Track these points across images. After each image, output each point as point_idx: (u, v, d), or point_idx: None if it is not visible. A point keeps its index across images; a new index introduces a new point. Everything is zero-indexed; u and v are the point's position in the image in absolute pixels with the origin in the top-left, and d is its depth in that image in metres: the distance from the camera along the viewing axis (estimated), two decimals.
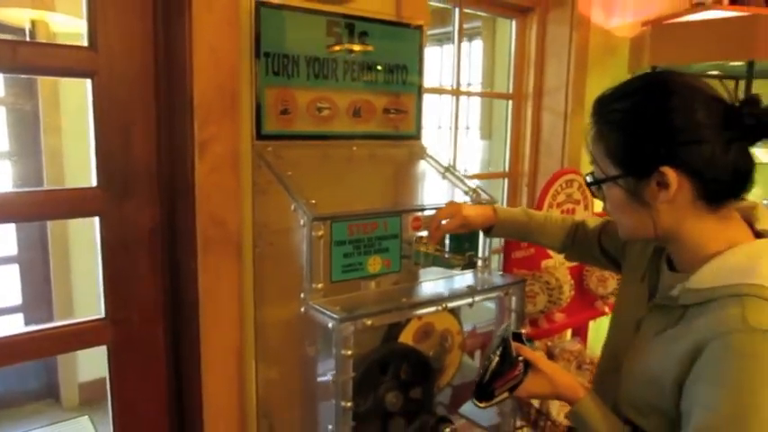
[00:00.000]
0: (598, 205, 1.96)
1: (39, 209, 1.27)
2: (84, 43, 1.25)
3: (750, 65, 1.83)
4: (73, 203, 1.30)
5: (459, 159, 2.13)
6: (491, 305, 1.40)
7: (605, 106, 0.92)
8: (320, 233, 1.10)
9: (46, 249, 3.26)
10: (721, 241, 0.89)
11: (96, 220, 1.31)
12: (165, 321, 1.40)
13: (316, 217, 1.09)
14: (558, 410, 1.57)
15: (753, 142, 0.86)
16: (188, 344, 1.36)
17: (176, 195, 1.33)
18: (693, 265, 0.90)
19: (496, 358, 1.00)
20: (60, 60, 1.24)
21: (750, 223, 0.93)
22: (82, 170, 3.35)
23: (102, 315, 1.35)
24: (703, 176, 0.86)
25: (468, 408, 1.40)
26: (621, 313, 1.09)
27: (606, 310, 1.71)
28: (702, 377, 0.83)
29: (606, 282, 1.79)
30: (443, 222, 1.23)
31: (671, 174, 0.85)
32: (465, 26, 3.33)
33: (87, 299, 3.29)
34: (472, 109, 3.53)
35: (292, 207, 1.15)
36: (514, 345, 1.03)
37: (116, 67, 1.27)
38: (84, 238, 3.31)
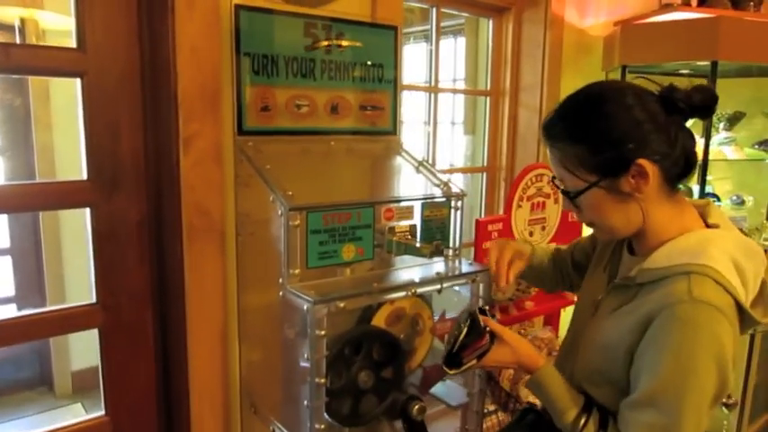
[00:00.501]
0: None
1: (33, 200, 1.35)
2: (73, 44, 1.32)
3: (714, 65, 1.92)
4: (65, 196, 1.38)
5: (442, 154, 2.21)
6: (465, 292, 1.48)
7: (558, 126, 1.02)
8: (297, 222, 1.18)
9: (38, 241, 3.32)
10: (676, 228, 1.00)
11: (87, 211, 1.39)
12: (153, 306, 1.48)
13: (292, 207, 1.17)
14: (526, 393, 1.66)
15: (686, 120, 1.00)
16: (175, 327, 1.43)
17: (162, 187, 1.41)
18: (651, 249, 1.01)
19: (465, 329, 1.08)
20: (51, 61, 1.32)
21: (704, 217, 1.04)
22: (72, 165, 3.41)
23: (94, 300, 1.42)
24: (667, 160, 0.97)
25: (439, 389, 1.48)
26: (582, 299, 1.20)
27: (575, 299, 1.80)
28: (651, 343, 0.93)
29: None
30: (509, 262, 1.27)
31: (646, 164, 0.95)
32: (449, 23, 3.40)
33: (79, 289, 3.35)
34: (458, 105, 3.61)
35: (271, 198, 1.22)
36: (481, 318, 1.11)
37: (104, 66, 1.34)
38: (75, 230, 3.38)
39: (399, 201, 1.35)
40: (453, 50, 3.59)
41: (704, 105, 0.97)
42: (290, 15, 1.41)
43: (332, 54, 1.49)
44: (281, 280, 1.22)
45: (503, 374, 1.69)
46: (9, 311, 1.41)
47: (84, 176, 1.37)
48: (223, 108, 1.36)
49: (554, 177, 1.09)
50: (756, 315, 0.94)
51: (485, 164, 2.31)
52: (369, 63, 1.56)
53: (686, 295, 0.91)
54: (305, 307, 1.13)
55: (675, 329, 0.91)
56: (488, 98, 2.27)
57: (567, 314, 1.95)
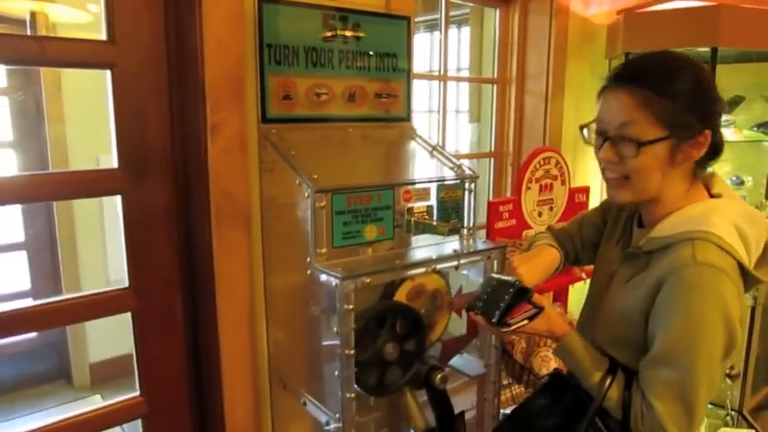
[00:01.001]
0: (580, 179, 2.12)
1: (67, 189, 1.41)
2: (102, 37, 1.38)
3: (714, 51, 1.98)
4: (97, 184, 1.44)
5: (449, 141, 2.27)
6: (473, 275, 1.55)
7: (648, 73, 1.04)
8: (322, 204, 1.25)
9: (53, 235, 3.39)
10: (684, 199, 1.08)
11: (118, 198, 1.45)
12: (182, 289, 1.54)
13: (318, 189, 1.24)
14: (539, 365, 1.73)
15: None
16: (205, 308, 1.50)
17: (189, 174, 1.47)
18: (658, 219, 1.08)
19: (512, 295, 1.13)
20: (83, 54, 1.38)
21: (708, 188, 1.11)
22: (86, 157, 3.46)
23: (126, 285, 1.49)
24: (716, 139, 1.05)
25: (457, 361, 1.55)
26: (598, 272, 1.27)
27: (583, 275, 1.87)
28: (662, 305, 1.01)
29: None
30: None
31: (709, 135, 1.03)
32: (454, 13, 3.45)
33: (95, 280, 3.43)
34: (462, 94, 3.67)
35: (297, 182, 1.29)
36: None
37: (132, 58, 1.40)
38: (90, 222, 3.45)
39: (417, 183, 1.42)
40: (457, 40, 3.65)
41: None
42: (309, 7, 1.47)
43: (348, 44, 1.55)
44: (308, 259, 1.29)
45: (515, 348, 1.76)
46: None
47: (115, 165, 1.43)
48: (247, 97, 1.42)
49: (602, 122, 1.08)
50: (760, 275, 1.01)
51: (492, 149, 2.37)
52: (383, 52, 1.62)
53: (691, 259, 0.98)
54: (334, 283, 1.20)
55: (683, 291, 0.98)
56: (495, 86, 2.33)
57: (575, 290, 2.01)
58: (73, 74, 3.27)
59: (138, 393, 1.53)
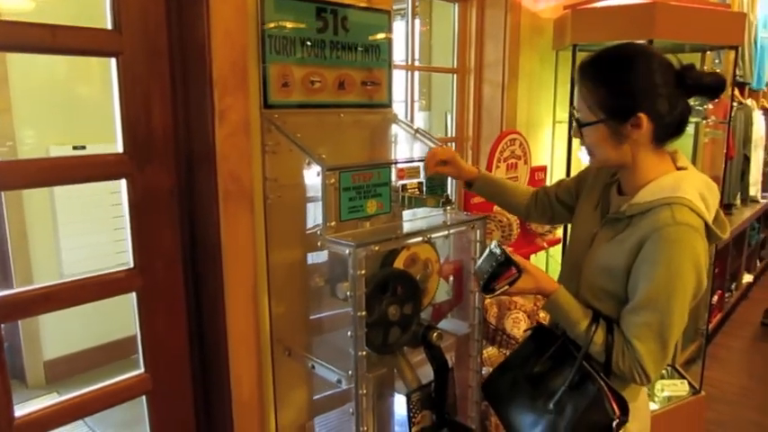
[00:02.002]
0: (536, 159, 2.33)
1: (76, 172, 1.45)
2: (109, 26, 1.44)
3: (650, 43, 2.24)
4: (104, 167, 1.49)
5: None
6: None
7: (593, 67, 1.27)
8: (332, 181, 1.38)
9: (2, 229, 3.30)
10: (657, 171, 1.27)
11: (123, 182, 1.51)
12: (185, 267, 1.62)
13: (329, 167, 1.36)
14: (511, 326, 1.93)
15: (689, 96, 1.26)
16: (210, 285, 1.58)
17: (194, 157, 1.55)
18: (636, 188, 1.28)
19: (496, 265, 1.29)
20: (91, 42, 1.43)
21: (674, 161, 1.32)
22: (36, 148, 3.39)
23: (131, 265, 1.55)
24: (662, 121, 1.23)
25: (444, 323, 1.72)
26: (578, 233, 1.46)
27: (545, 245, 2.08)
28: (645, 259, 1.20)
29: None
30: (438, 161, 1.55)
31: (644, 118, 1.21)
32: (399, 6, 3.61)
33: (48, 275, 3.37)
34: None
35: (307, 161, 1.41)
36: (509, 253, 1.34)
37: (137, 46, 1.46)
38: (42, 214, 3.38)
39: (412, 161, 1.57)
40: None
41: (712, 87, 1.23)
42: (304, 1, 1.58)
43: (338, 35, 1.67)
44: (318, 231, 1.41)
45: (488, 312, 1.95)
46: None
47: (120, 149, 1.49)
48: (250, 84, 1.52)
49: (574, 107, 1.33)
50: (718, 231, 1.23)
51: (453, 135, 2.55)
52: (367, 43, 1.75)
53: (671, 220, 1.18)
54: (347, 251, 1.33)
55: (664, 247, 1.18)
56: (455, 75, 2.50)
57: (536, 258, 2.22)
58: (20, 63, 3.19)
59: (143, 370, 1.60)
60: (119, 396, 1.55)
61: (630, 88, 1.22)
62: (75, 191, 3.44)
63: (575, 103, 1.32)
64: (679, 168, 1.30)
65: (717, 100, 2.85)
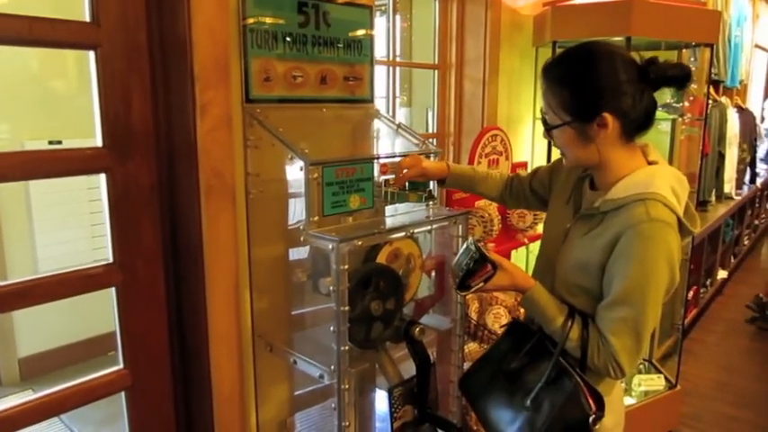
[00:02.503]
0: (517, 155, 2.35)
1: (56, 166, 1.43)
2: (87, 18, 1.42)
3: (628, 40, 2.27)
4: (84, 162, 1.47)
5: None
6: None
7: (554, 70, 1.28)
8: (315, 175, 1.37)
9: None
10: (629, 167, 1.28)
11: (103, 176, 1.49)
12: (165, 262, 1.61)
13: (312, 162, 1.36)
14: (492, 321, 1.95)
15: (655, 89, 1.25)
16: (191, 280, 1.57)
17: (176, 152, 1.54)
18: (609, 184, 1.29)
19: (474, 259, 1.30)
20: (69, 34, 1.40)
21: (645, 155, 1.33)
22: (9, 144, 3.31)
23: (111, 260, 1.54)
24: (628, 117, 1.24)
25: (426, 318, 1.73)
26: (551, 228, 1.47)
27: (525, 241, 2.10)
28: (620, 255, 1.22)
29: (525, 218, 2.19)
30: (405, 171, 1.55)
31: (609, 117, 1.22)
32: (380, 2, 3.60)
33: (23, 270, 3.31)
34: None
35: (289, 156, 1.40)
36: (484, 250, 1.34)
37: (116, 40, 1.44)
38: (17, 212, 3.32)
39: (395, 157, 1.57)
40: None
41: (678, 78, 1.23)
42: None
43: (320, 30, 1.67)
44: (301, 226, 1.41)
45: (470, 308, 1.96)
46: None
47: (100, 143, 1.48)
48: (232, 79, 1.51)
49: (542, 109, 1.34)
50: (689, 226, 1.26)
51: (435, 130, 2.56)
52: (349, 38, 1.75)
53: (645, 216, 1.19)
54: (330, 246, 1.33)
55: (639, 243, 1.19)
56: (436, 71, 2.51)
57: (517, 254, 2.25)
58: None
59: (122, 366, 1.58)
60: (96, 392, 1.53)
61: (593, 89, 1.23)
62: (51, 186, 3.39)
63: (542, 106, 1.33)
64: (650, 163, 1.31)
65: (692, 98, 2.90)
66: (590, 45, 1.28)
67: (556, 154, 2.46)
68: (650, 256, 1.19)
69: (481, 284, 1.30)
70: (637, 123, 1.26)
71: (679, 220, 1.23)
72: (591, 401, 1.26)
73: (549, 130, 1.31)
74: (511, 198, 1.68)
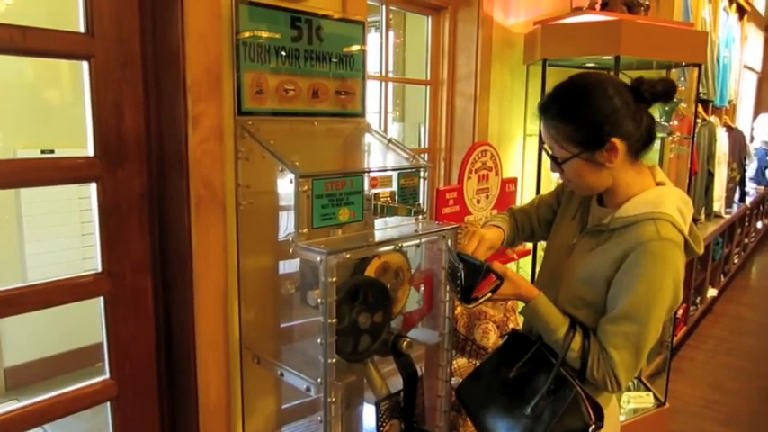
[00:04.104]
0: (506, 171, 2.37)
1: (47, 174, 1.44)
2: (82, 29, 1.43)
3: (616, 59, 2.31)
4: (75, 170, 1.48)
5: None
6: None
7: (552, 108, 1.31)
8: (305, 188, 1.38)
9: None
10: (638, 187, 1.32)
11: (93, 185, 1.50)
12: (153, 273, 1.61)
13: (302, 174, 1.37)
14: (480, 336, 1.95)
15: (649, 106, 1.30)
16: (180, 291, 1.57)
17: (167, 162, 1.54)
18: (619, 202, 1.32)
19: (468, 271, 1.31)
20: (63, 44, 1.42)
21: (653, 175, 1.36)
22: (3, 152, 3.31)
23: (99, 269, 1.53)
24: (633, 138, 1.27)
25: (414, 332, 1.73)
26: (556, 243, 1.49)
27: (515, 256, 2.11)
28: (628, 271, 1.24)
29: None
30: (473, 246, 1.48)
31: (617, 142, 1.25)
32: (373, 18, 3.65)
33: (11, 280, 3.28)
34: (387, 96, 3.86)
35: (280, 168, 1.41)
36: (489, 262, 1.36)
37: (110, 50, 1.46)
38: (6, 216, 3.31)
39: (384, 171, 1.58)
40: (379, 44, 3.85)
41: (665, 92, 1.28)
42: (278, 9, 1.59)
43: (313, 45, 1.69)
44: (290, 238, 1.41)
45: (459, 322, 1.97)
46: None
47: (91, 153, 1.48)
48: (224, 91, 1.52)
49: (544, 144, 1.37)
50: (694, 246, 1.28)
51: (426, 146, 2.58)
52: (342, 53, 1.77)
53: (655, 234, 1.22)
54: (318, 258, 1.33)
55: (648, 260, 1.22)
56: (428, 87, 2.53)
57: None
58: None
59: (108, 376, 1.58)
60: (81, 402, 1.53)
61: (595, 118, 1.26)
62: (43, 195, 3.38)
63: (545, 143, 1.36)
64: (658, 183, 1.35)
65: (682, 116, 2.94)
66: (582, 76, 1.32)
67: (547, 171, 2.49)
68: (658, 274, 1.21)
69: (489, 295, 1.31)
70: (641, 142, 1.30)
71: (685, 240, 1.25)
72: (591, 412, 1.28)
73: (559, 164, 1.33)
74: (521, 236, 1.65)
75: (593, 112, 1.26)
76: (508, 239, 1.60)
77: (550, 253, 1.52)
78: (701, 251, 1.31)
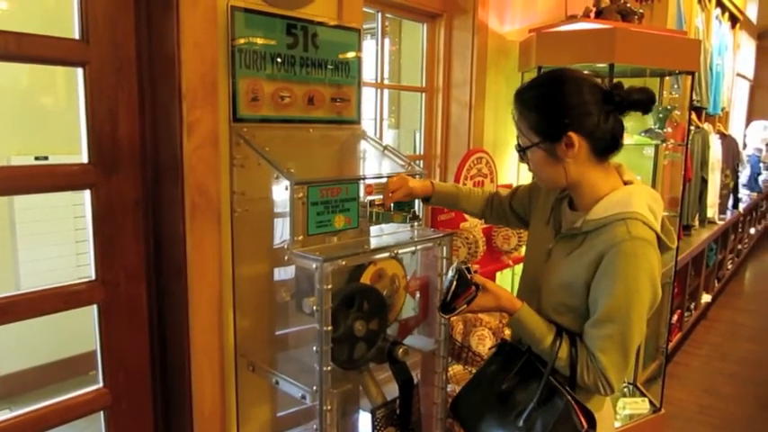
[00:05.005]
0: (501, 178, 2.38)
1: (42, 181, 1.43)
2: (76, 36, 1.43)
3: (611, 67, 2.32)
4: (69, 177, 1.47)
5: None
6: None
7: (523, 95, 1.33)
8: (300, 195, 1.38)
9: None
10: (606, 187, 1.32)
11: (87, 192, 1.49)
12: (148, 280, 1.60)
13: (297, 182, 1.37)
14: (476, 343, 1.95)
15: (622, 113, 1.30)
16: (175, 298, 1.56)
17: (161, 169, 1.54)
18: (589, 204, 1.32)
19: (455, 282, 1.32)
20: (57, 51, 1.42)
21: (620, 175, 1.37)
22: None
23: (93, 277, 1.52)
24: (594, 137, 1.28)
25: (410, 339, 1.73)
26: (533, 249, 1.49)
27: (510, 263, 2.11)
28: (603, 274, 1.25)
29: (509, 240, 2.20)
30: (392, 192, 1.56)
31: (574, 136, 1.26)
32: (371, 25, 3.66)
33: (2, 284, 3.27)
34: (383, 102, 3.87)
35: (275, 175, 1.41)
36: (467, 272, 1.35)
37: (104, 57, 1.46)
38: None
39: (381, 177, 1.58)
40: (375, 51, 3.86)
41: (640, 101, 1.28)
42: (274, 17, 1.60)
43: (308, 52, 1.69)
44: (286, 245, 1.41)
45: (455, 329, 1.96)
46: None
47: (85, 160, 1.47)
48: (220, 98, 1.52)
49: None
50: (667, 241, 1.29)
51: (421, 152, 2.58)
52: (337, 60, 1.77)
53: (627, 235, 1.22)
54: (314, 265, 1.33)
55: (623, 261, 1.22)
56: (424, 94, 2.54)
57: (502, 276, 2.26)
58: None
59: (101, 385, 1.56)
60: (75, 412, 1.52)
61: (558, 110, 1.28)
62: (36, 202, 3.36)
63: (516, 131, 1.38)
64: (626, 182, 1.35)
65: (676, 124, 2.96)
66: (558, 70, 1.34)
67: None
68: (633, 274, 1.22)
69: (464, 306, 1.31)
70: (604, 144, 1.30)
71: (658, 236, 1.26)
72: (582, 419, 1.28)
73: (521, 152, 1.36)
74: (492, 215, 1.72)
75: (556, 104, 1.28)
76: (446, 201, 1.70)
77: (528, 260, 1.52)
78: (675, 245, 1.32)
